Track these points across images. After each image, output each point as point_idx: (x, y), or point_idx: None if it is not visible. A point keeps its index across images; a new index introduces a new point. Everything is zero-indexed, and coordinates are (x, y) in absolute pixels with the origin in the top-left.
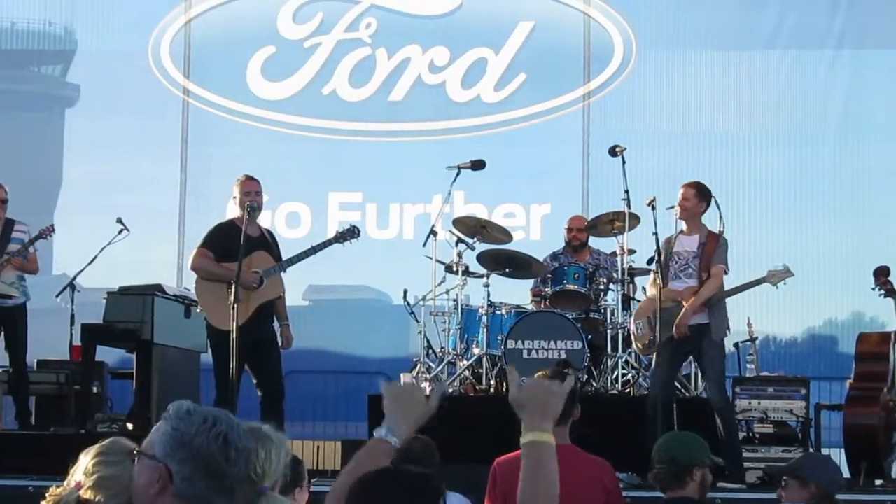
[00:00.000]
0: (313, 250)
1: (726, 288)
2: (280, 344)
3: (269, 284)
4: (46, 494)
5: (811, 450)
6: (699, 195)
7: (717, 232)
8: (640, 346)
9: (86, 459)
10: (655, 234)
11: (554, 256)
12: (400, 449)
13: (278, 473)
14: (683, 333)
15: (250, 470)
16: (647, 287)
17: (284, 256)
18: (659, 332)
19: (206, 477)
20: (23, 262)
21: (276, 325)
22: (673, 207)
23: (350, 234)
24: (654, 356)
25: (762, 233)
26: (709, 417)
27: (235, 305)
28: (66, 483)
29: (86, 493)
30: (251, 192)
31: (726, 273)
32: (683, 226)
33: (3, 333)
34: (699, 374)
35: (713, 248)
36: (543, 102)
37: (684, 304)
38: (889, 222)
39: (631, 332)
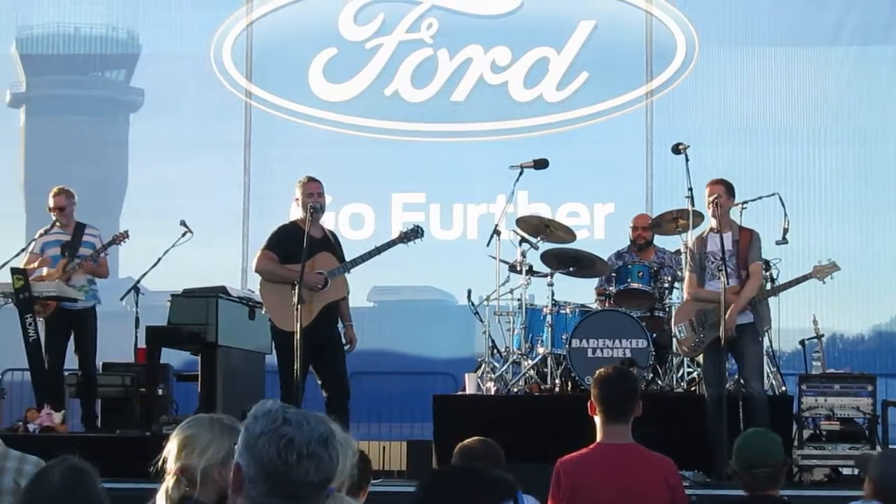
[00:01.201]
0: (377, 251)
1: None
2: (344, 345)
3: (333, 285)
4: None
5: (878, 447)
6: (728, 191)
7: (749, 228)
8: (685, 349)
9: (171, 445)
10: (718, 231)
11: (619, 255)
12: (465, 450)
13: (345, 474)
14: (731, 337)
15: (319, 476)
16: (684, 289)
17: (348, 258)
18: (711, 332)
19: (265, 480)
20: (93, 265)
21: (340, 326)
22: (712, 204)
23: (414, 234)
24: (703, 357)
25: (827, 230)
26: (779, 414)
27: (299, 307)
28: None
29: (178, 462)
30: (313, 194)
31: (763, 269)
32: (713, 223)
33: (72, 336)
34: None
35: (748, 245)
36: (606, 101)
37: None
38: None
39: (673, 336)
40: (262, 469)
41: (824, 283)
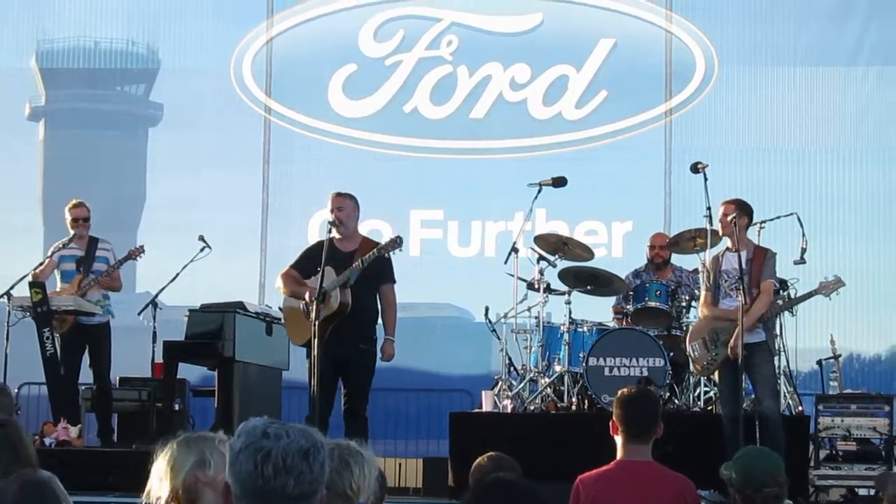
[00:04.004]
0: (362, 263)
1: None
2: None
3: (329, 298)
4: None
5: (895, 468)
6: (737, 211)
7: (764, 247)
8: (698, 367)
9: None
10: (737, 251)
11: (636, 273)
12: (478, 467)
13: (371, 489)
14: (737, 355)
15: (300, 490)
16: (699, 308)
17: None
18: (723, 350)
19: (245, 496)
20: (108, 280)
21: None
22: (730, 224)
23: (393, 244)
24: (719, 375)
25: (845, 250)
26: (796, 434)
27: (316, 323)
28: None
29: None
30: (333, 209)
31: (776, 287)
32: (729, 242)
33: (87, 351)
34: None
35: (761, 264)
36: (625, 119)
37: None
38: None
39: (688, 354)
40: (242, 485)
41: (830, 298)
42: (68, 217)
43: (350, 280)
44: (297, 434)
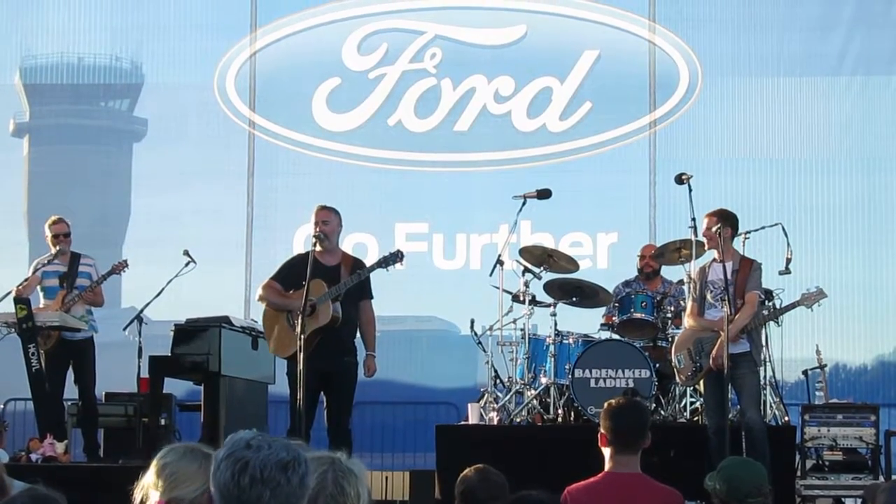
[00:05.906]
0: (358, 276)
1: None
2: (365, 373)
3: (318, 311)
4: None
5: (881, 477)
6: (720, 222)
7: (750, 258)
8: (682, 378)
9: (150, 476)
10: (722, 262)
11: (626, 283)
12: (463, 480)
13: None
14: (720, 365)
15: (277, 502)
16: (684, 318)
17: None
18: (707, 361)
19: None
20: (92, 296)
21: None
22: (715, 235)
23: (394, 258)
24: (704, 386)
25: (830, 260)
26: (782, 445)
27: (302, 336)
28: None
29: (165, 495)
30: (318, 222)
31: (761, 299)
32: (715, 253)
33: (71, 367)
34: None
35: (747, 275)
36: (609, 131)
37: (721, 333)
38: None
39: (673, 364)
40: (220, 494)
41: (812, 310)
42: (48, 234)
43: (342, 293)
44: (279, 447)
